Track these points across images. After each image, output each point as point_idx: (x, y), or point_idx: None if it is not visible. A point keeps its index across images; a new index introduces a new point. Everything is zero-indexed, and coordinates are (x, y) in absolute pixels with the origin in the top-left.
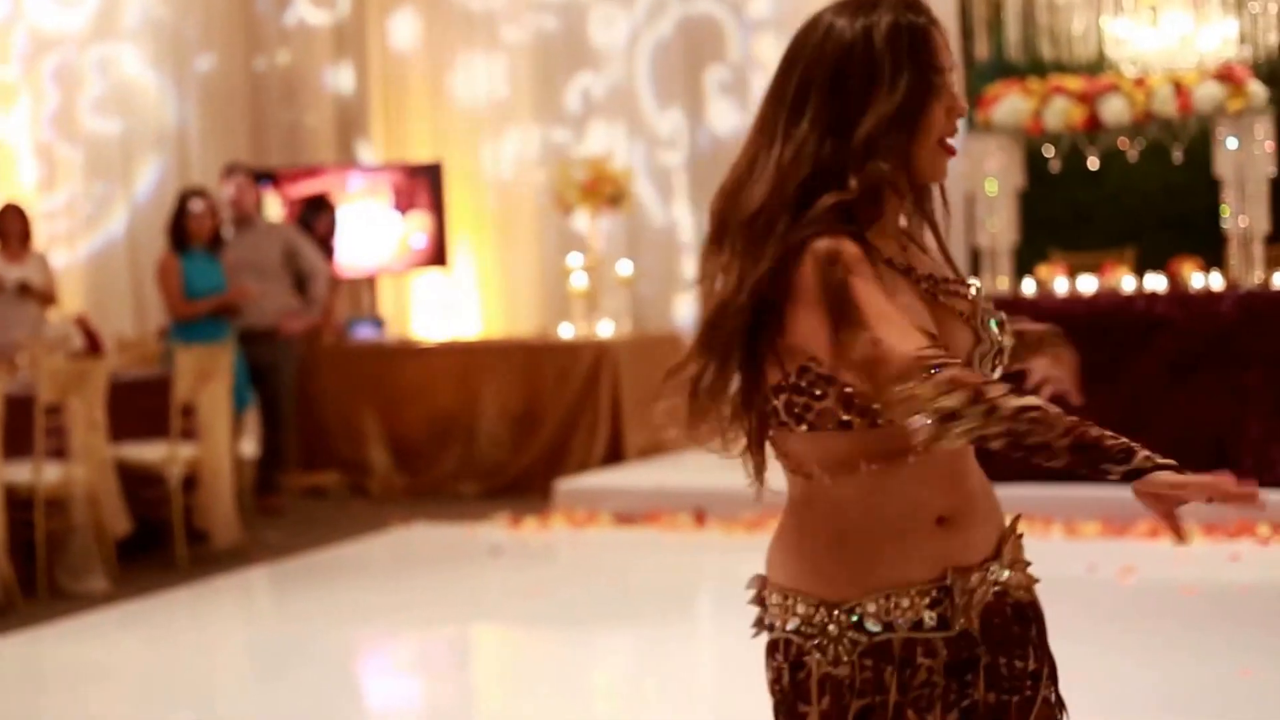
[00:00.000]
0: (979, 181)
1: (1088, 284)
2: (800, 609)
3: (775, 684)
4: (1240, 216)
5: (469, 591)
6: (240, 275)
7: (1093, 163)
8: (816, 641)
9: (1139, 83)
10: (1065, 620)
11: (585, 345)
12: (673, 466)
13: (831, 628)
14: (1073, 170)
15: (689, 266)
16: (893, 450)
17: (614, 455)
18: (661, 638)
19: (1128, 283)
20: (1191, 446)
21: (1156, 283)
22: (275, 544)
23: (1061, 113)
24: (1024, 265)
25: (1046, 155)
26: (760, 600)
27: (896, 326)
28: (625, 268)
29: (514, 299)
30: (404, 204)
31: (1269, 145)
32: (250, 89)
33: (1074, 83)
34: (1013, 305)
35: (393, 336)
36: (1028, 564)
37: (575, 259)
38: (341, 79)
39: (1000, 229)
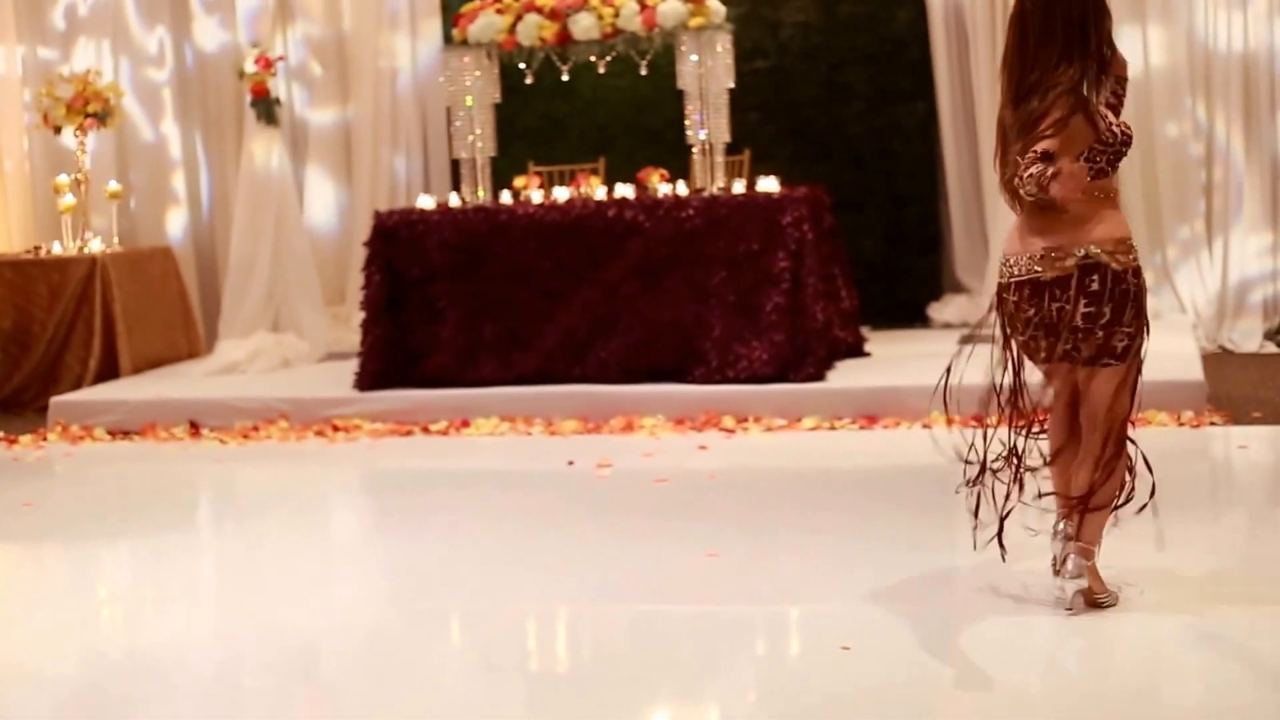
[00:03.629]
0: (458, 97)
1: (562, 194)
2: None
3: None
4: (702, 128)
5: None
6: None
7: (564, 77)
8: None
9: (606, 0)
10: (549, 511)
11: (76, 261)
12: (168, 379)
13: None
14: (546, 85)
15: (178, 183)
16: None
17: (109, 371)
18: (162, 547)
19: (600, 193)
20: (662, 344)
21: (626, 192)
22: None
23: (534, 28)
24: (502, 177)
25: (521, 70)
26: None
27: None
28: (114, 184)
29: (3, 217)
30: None
31: (728, 60)
32: None
33: (545, 0)
34: (492, 213)
35: None
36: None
37: (63, 177)
38: None
39: (478, 142)
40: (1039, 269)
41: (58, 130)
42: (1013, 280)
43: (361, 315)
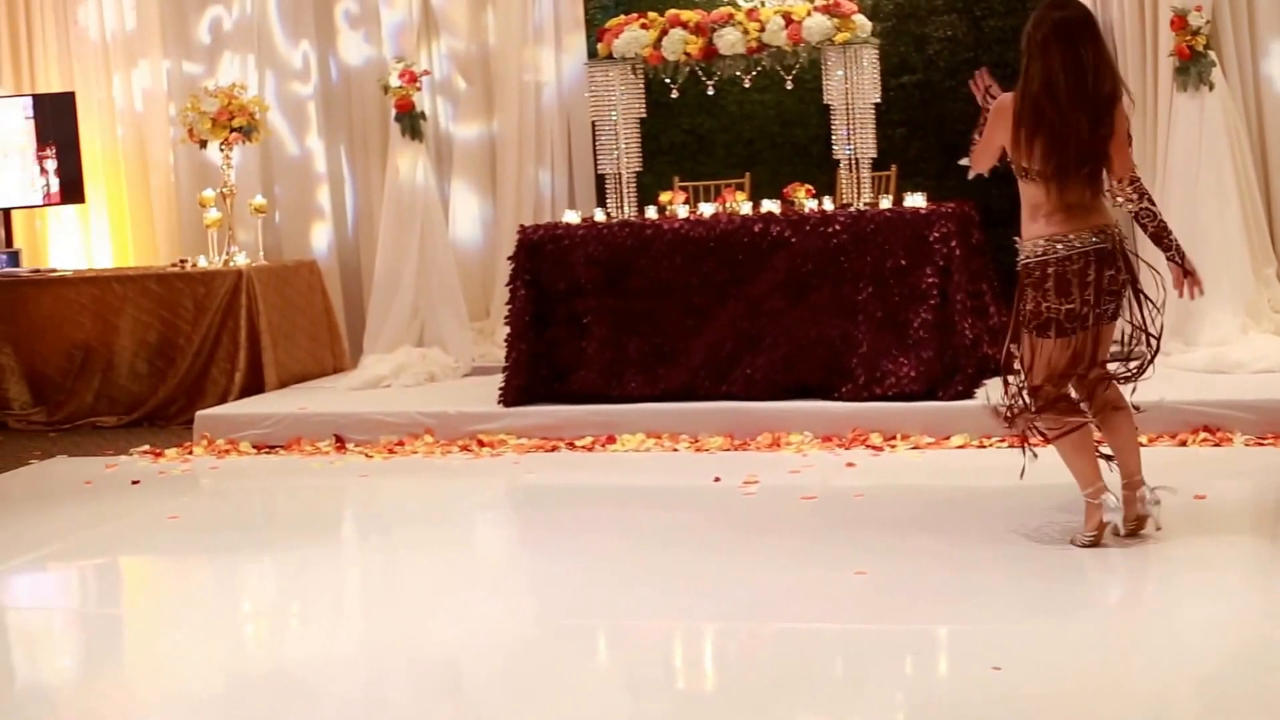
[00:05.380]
0: (602, 111)
1: (707, 210)
2: None
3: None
4: (848, 143)
5: (113, 524)
6: None
7: (710, 92)
8: None
9: (751, 14)
10: (694, 528)
11: (222, 275)
12: (313, 393)
13: None
14: (691, 100)
15: (323, 197)
16: None
17: (254, 385)
18: (306, 562)
19: (745, 209)
20: (808, 360)
21: (772, 207)
22: None
23: (679, 43)
24: (647, 193)
25: (667, 85)
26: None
27: None
28: (259, 198)
29: (149, 231)
30: (35, 135)
31: (874, 75)
32: None
33: (690, 15)
34: (637, 228)
35: (27, 269)
36: None
37: (209, 191)
38: None
39: (623, 157)
40: (1098, 241)
41: (203, 144)
42: (1074, 252)
43: (506, 330)
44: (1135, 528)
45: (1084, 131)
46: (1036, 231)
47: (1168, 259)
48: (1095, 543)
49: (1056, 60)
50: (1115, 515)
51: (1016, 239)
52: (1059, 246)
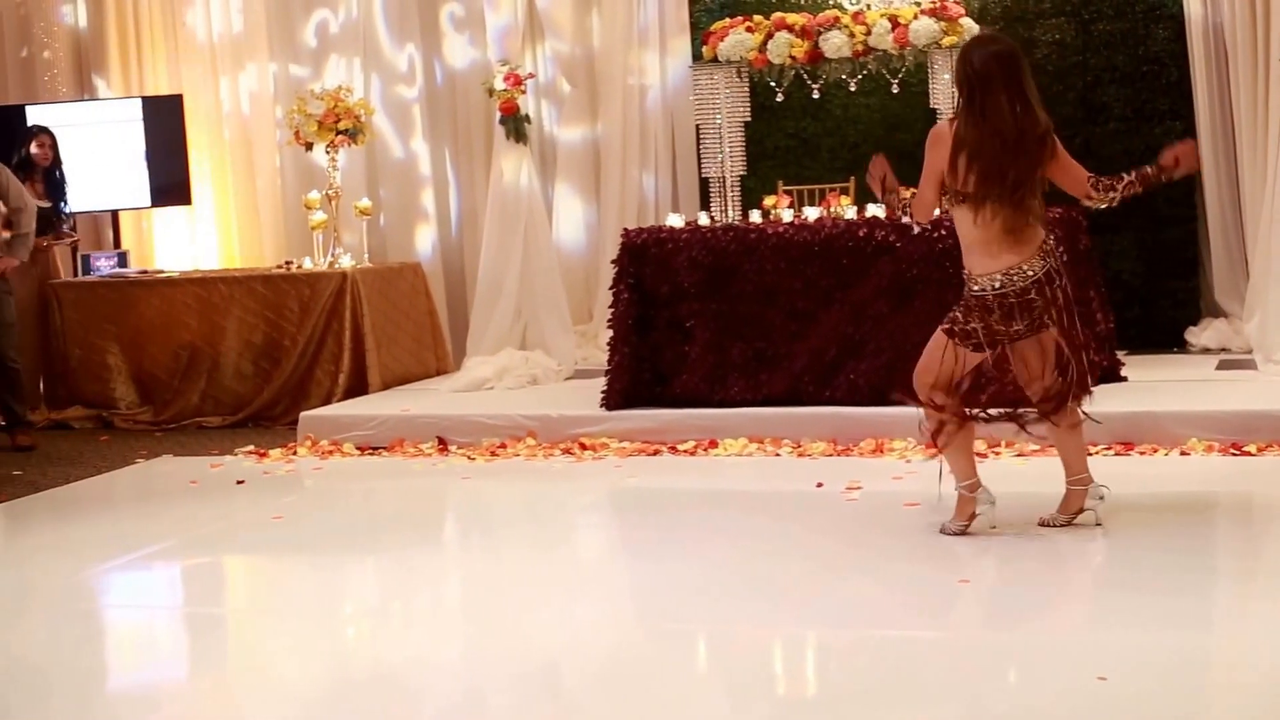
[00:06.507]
0: (707, 114)
1: (812, 214)
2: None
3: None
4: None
5: (217, 523)
6: None
7: (815, 95)
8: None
9: (857, 18)
10: (797, 533)
11: (327, 276)
12: (416, 395)
13: None
14: (796, 103)
15: (427, 199)
16: None
17: (358, 386)
18: (407, 563)
19: (850, 213)
20: (912, 366)
21: (876, 212)
22: (21, 480)
23: (785, 46)
24: (751, 196)
25: (772, 88)
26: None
27: None
28: (364, 201)
29: (255, 233)
30: (144, 137)
31: None
32: None
33: (796, 18)
34: (741, 232)
35: (134, 270)
36: None
37: (315, 193)
38: (77, 13)
39: (727, 160)
40: (1046, 263)
41: (309, 147)
42: (1028, 281)
43: (609, 333)
44: (1072, 519)
45: (1024, 160)
46: (991, 266)
47: (1163, 178)
48: (964, 531)
49: (1002, 94)
50: (987, 509)
51: (965, 270)
52: (1015, 279)
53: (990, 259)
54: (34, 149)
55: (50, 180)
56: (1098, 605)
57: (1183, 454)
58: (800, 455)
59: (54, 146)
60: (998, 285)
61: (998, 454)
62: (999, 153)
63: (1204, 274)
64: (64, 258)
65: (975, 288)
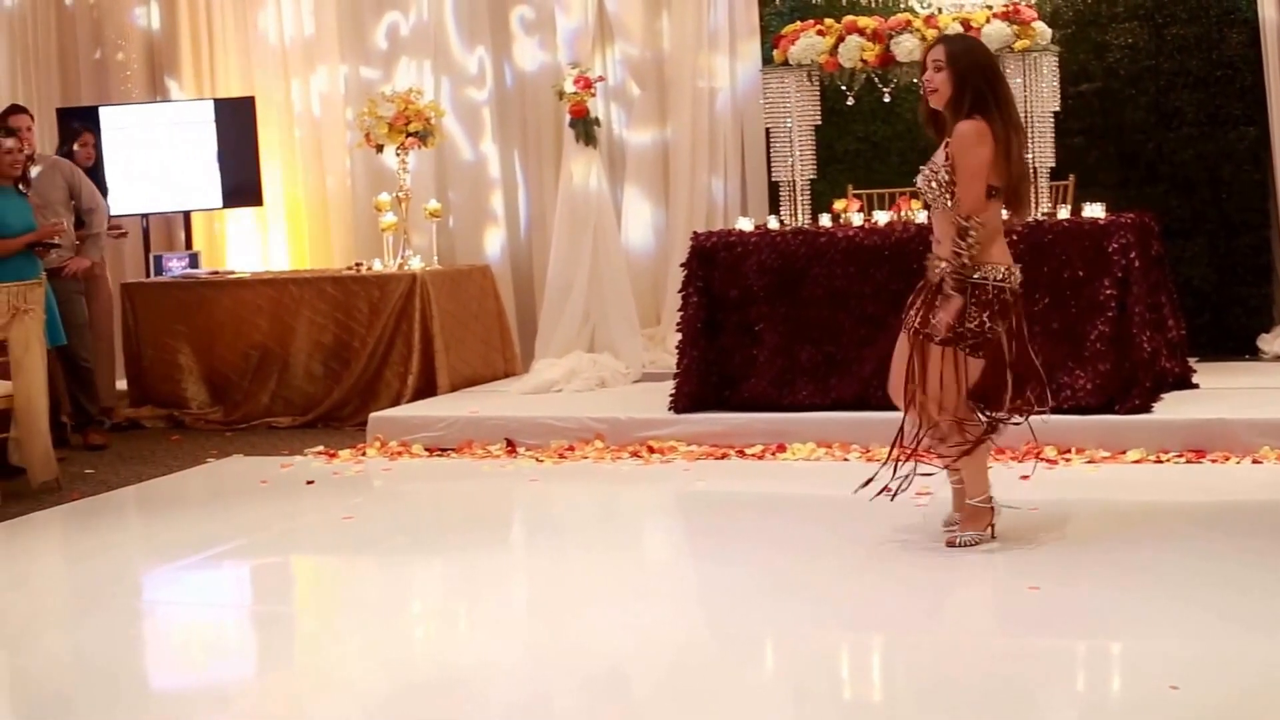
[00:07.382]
0: (777, 118)
1: (882, 218)
2: None
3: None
4: (1027, 152)
5: (287, 523)
6: (38, 213)
7: (886, 99)
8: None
9: (929, 21)
10: (864, 538)
11: (396, 278)
12: (485, 397)
13: None
14: (867, 107)
15: (497, 202)
16: None
17: (427, 387)
18: (475, 565)
19: (921, 217)
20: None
21: None
22: (93, 479)
23: (856, 50)
24: (821, 200)
25: (842, 92)
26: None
27: None
28: (434, 203)
29: (325, 235)
30: (216, 139)
31: (1054, 82)
32: (58, 26)
33: (867, 21)
34: (811, 236)
35: (205, 271)
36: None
37: (385, 195)
38: (150, 15)
39: (798, 164)
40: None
41: (379, 149)
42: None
43: (677, 337)
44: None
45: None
46: (997, 256)
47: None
48: (978, 542)
49: (1005, 87)
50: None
51: (930, 257)
52: (1017, 272)
53: (995, 250)
54: (77, 148)
55: (93, 180)
56: (1168, 613)
57: (1255, 462)
58: (869, 460)
59: (97, 146)
60: (1018, 276)
61: (1068, 461)
62: (1024, 144)
63: (1277, 280)
64: (137, 259)
65: (997, 277)
